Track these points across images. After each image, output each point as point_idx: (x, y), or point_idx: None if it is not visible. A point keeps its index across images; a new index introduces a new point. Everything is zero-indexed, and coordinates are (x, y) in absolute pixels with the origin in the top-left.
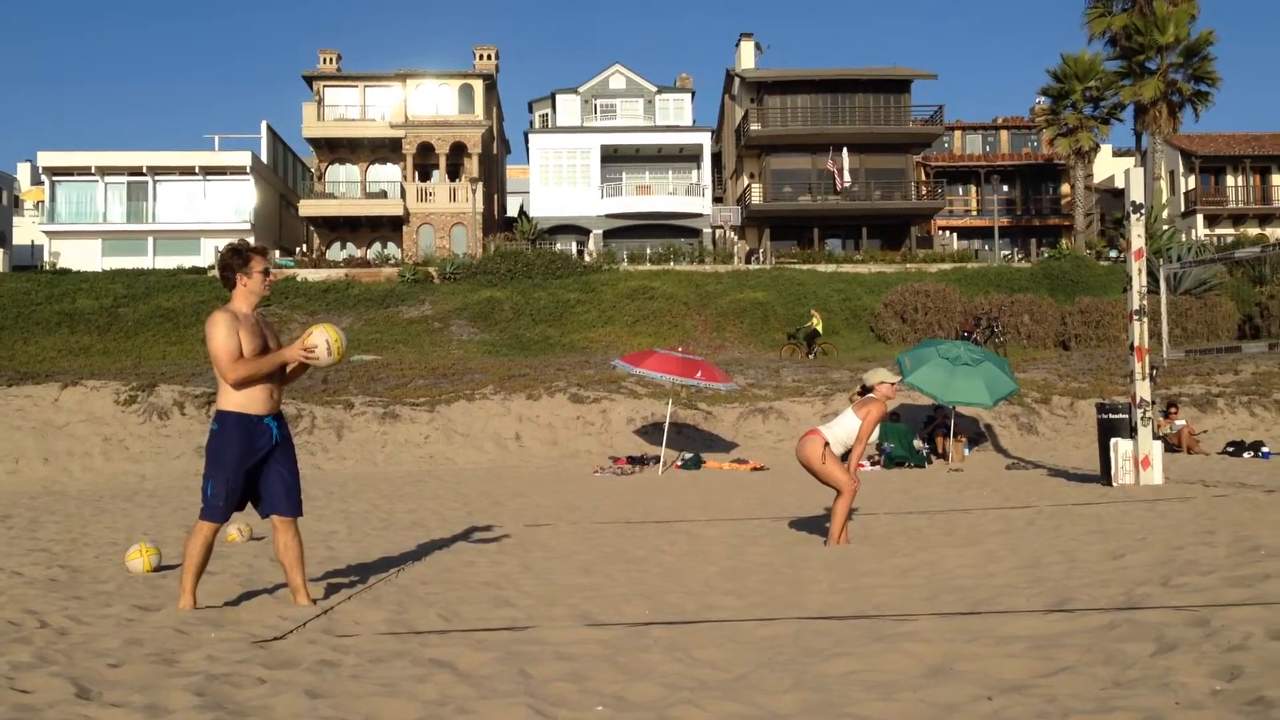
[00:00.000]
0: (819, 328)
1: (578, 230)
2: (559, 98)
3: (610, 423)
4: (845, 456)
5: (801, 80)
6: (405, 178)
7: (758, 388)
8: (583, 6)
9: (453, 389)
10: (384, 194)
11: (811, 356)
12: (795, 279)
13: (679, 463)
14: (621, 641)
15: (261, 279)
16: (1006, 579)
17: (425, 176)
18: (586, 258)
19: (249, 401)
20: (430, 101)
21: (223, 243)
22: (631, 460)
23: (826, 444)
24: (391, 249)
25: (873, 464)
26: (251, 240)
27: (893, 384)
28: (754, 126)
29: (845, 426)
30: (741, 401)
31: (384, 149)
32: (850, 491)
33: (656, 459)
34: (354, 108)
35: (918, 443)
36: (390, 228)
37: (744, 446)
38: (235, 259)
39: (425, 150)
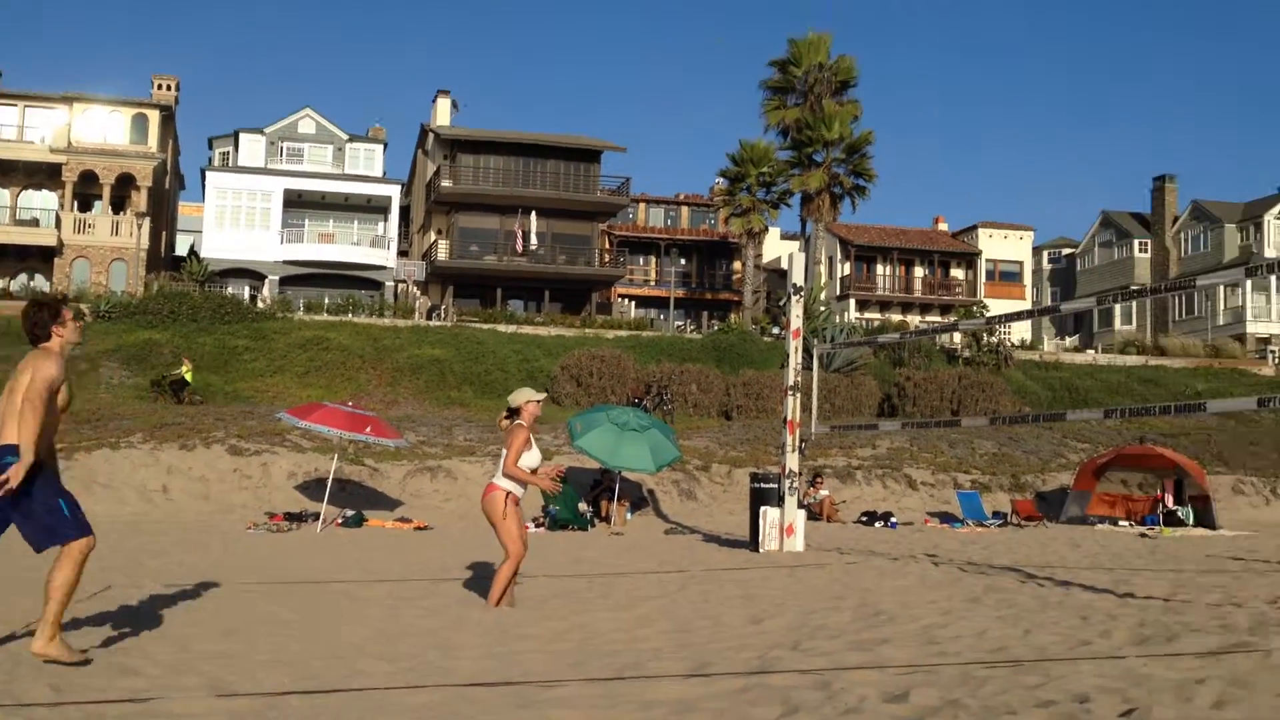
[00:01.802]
0: (188, 376)
1: (253, 275)
2: (243, 136)
3: (271, 477)
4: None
5: (496, 141)
6: (63, 207)
7: (429, 445)
8: (277, 46)
9: (95, 436)
10: (36, 222)
11: (180, 404)
12: (475, 338)
13: (340, 520)
14: (252, 713)
15: (76, 327)
16: (655, 643)
17: (86, 207)
18: (260, 304)
19: None
20: (99, 128)
21: None
22: (289, 516)
23: (509, 494)
24: (40, 281)
25: (537, 525)
26: None
27: (538, 401)
28: (445, 183)
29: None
30: (411, 459)
31: (41, 174)
32: (516, 557)
33: (317, 515)
34: (10, 127)
35: (583, 505)
36: (40, 258)
37: (410, 505)
38: (45, 313)
39: (88, 179)
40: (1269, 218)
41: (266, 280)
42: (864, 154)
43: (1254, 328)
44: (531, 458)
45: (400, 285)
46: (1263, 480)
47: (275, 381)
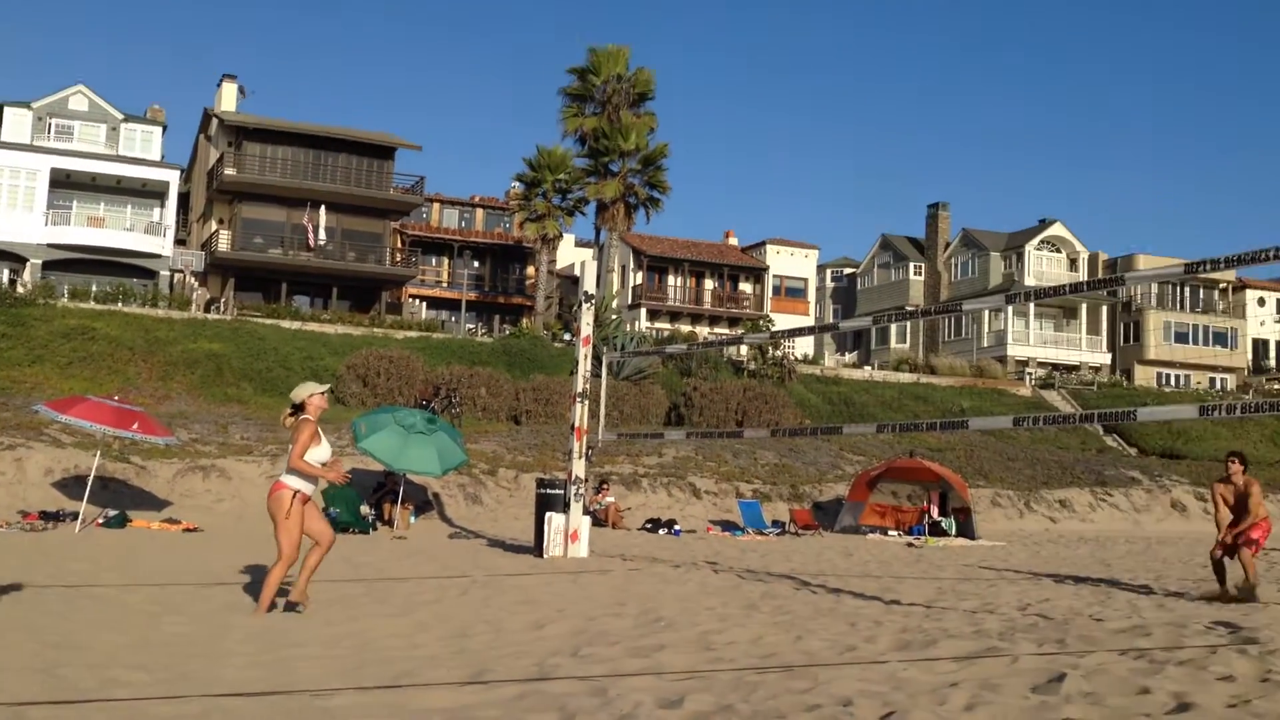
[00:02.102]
0: None
1: (13, 258)
2: (8, 110)
3: (25, 473)
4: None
5: (285, 131)
6: None
7: (202, 444)
8: (49, 18)
9: None
10: None
11: None
12: (257, 333)
13: (101, 520)
14: None
15: None
16: (432, 650)
17: None
18: (20, 289)
19: None
20: None
21: None
22: (45, 515)
23: (296, 492)
24: None
25: None
26: None
27: (322, 393)
28: (229, 171)
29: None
30: (182, 457)
31: None
32: (288, 560)
33: (76, 515)
34: None
35: (365, 508)
36: None
37: (179, 505)
38: None
39: None
40: (1029, 248)
41: (28, 264)
42: (659, 166)
43: (1014, 350)
44: (321, 452)
45: (177, 275)
46: (1018, 494)
47: (34, 372)
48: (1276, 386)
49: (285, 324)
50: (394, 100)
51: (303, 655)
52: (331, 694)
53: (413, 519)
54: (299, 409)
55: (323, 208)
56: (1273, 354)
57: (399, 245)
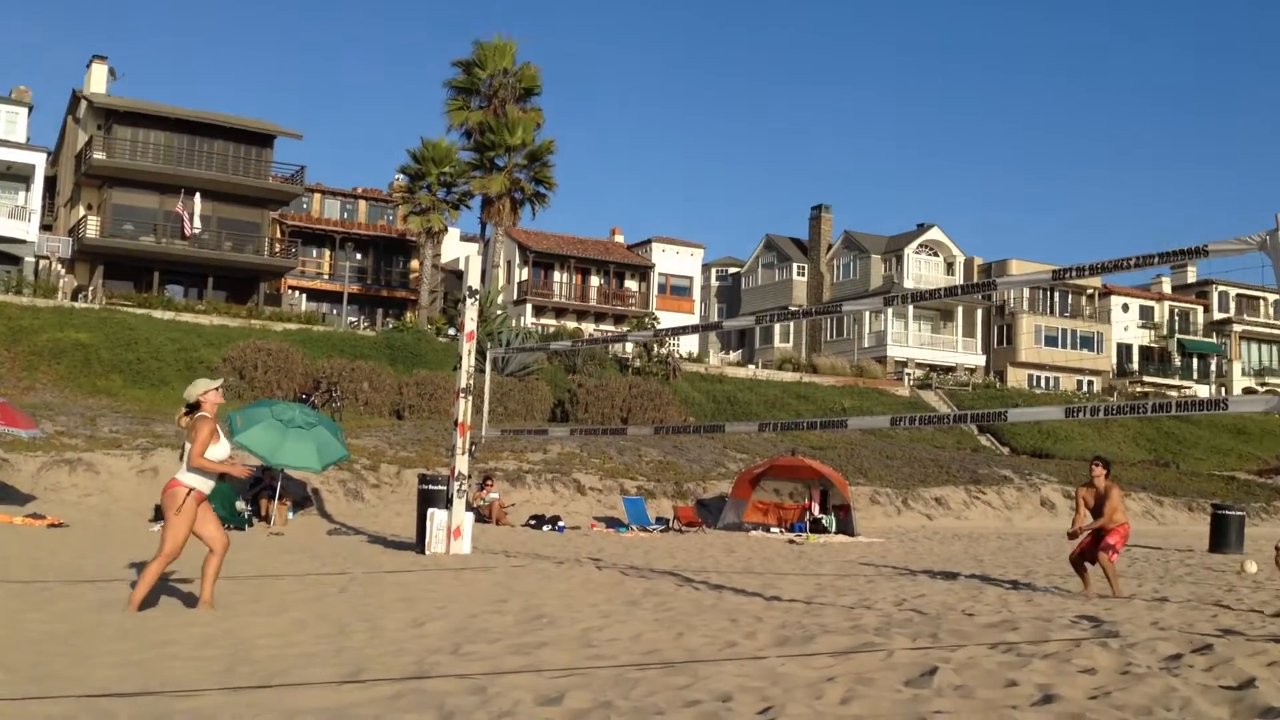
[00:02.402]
0: None
1: None
2: None
3: None
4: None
5: (158, 116)
6: None
7: (68, 436)
8: None
9: None
10: None
11: None
12: (127, 323)
13: None
14: None
15: None
16: (308, 648)
17: None
18: None
19: None
20: None
21: None
22: None
23: (192, 491)
24: None
25: None
26: None
27: (217, 388)
28: (98, 155)
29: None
30: (47, 450)
31: None
32: (168, 556)
33: None
34: None
35: (240, 504)
36: None
37: (44, 500)
38: None
39: None
40: (909, 251)
41: None
42: (545, 162)
43: (894, 351)
44: (220, 449)
45: (43, 262)
46: (896, 491)
47: None
48: (1139, 389)
49: (158, 314)
50: (275, 88)
51: (174, 655)
52: (200, 694)
53: (290, 515)
54: (194, 408)
55: (198, 195)
56: (1135, 358)
57: (278, 235)
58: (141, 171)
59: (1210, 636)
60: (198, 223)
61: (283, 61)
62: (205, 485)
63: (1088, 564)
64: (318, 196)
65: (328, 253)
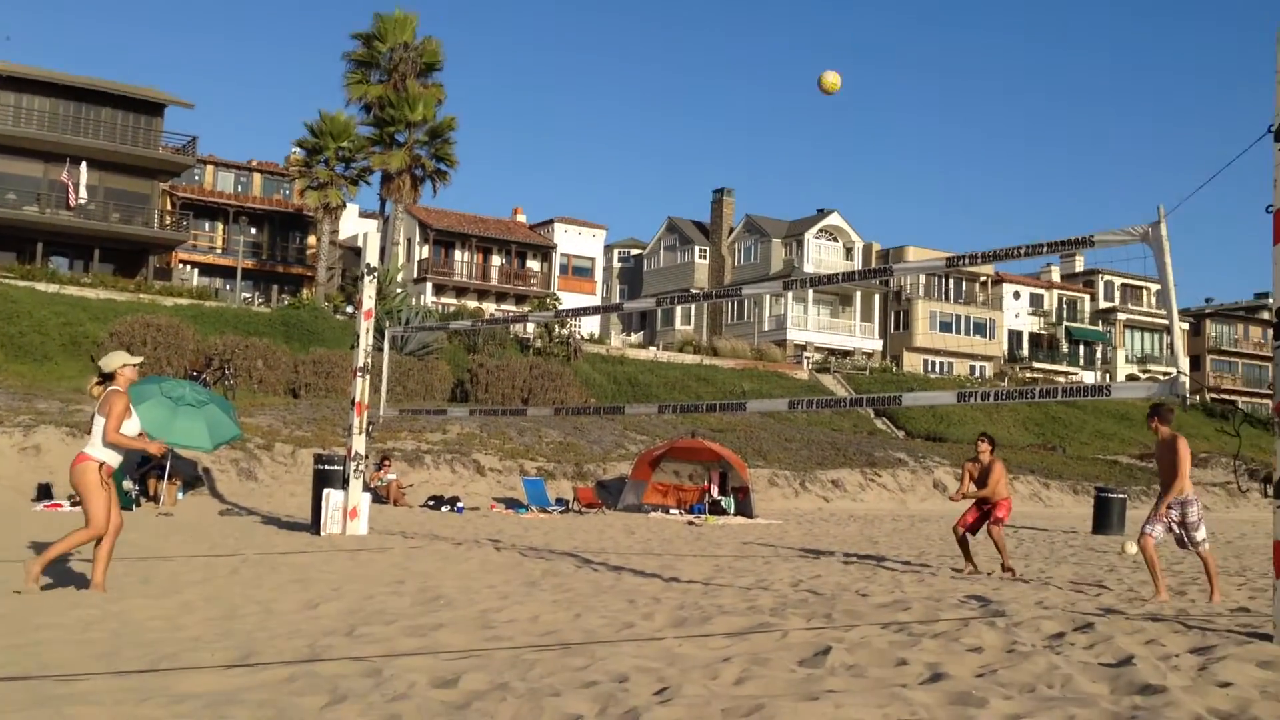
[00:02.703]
0: None
1: None
2: None
3: None
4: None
5: (42, 81)
6: None
7: None
8: None
9: None
10: None
11: None
12: (9, 295)
13: None
14: None
15: None
16: (196, 631)
17: None
18: None
19: None
20: None
21: None
22: None
23: (103, 464)
24: None
25: (73, 504)
26: None
27: (134, 365)
28: None
29: (100, 432)
30: None
31: None
32: (97, 530)
33: None
34: None
35: (128, 484)
36: None
37: None
38: None
39: None
40: (809, 236)
41: None
42: (447, 139)
43: (793, 335)
44: (132, 425)
45: None
46: (794, 474)
47: None
48: (1028, 375)
49: (41, 286)
50: (168, 57)
51: (55, 638)
52: (83, 679)
53: (180, 495)
54: (108, 378)
55: (84, 164)
56: (1026, 344)
57: (169, 208)
58: (24, 138)
59: (1092, 615)
60: (84, 193)
61: (176, 30)
62: (115, 460)
63: (971, 535)
64: (211, 169)
65: (221, 226)
